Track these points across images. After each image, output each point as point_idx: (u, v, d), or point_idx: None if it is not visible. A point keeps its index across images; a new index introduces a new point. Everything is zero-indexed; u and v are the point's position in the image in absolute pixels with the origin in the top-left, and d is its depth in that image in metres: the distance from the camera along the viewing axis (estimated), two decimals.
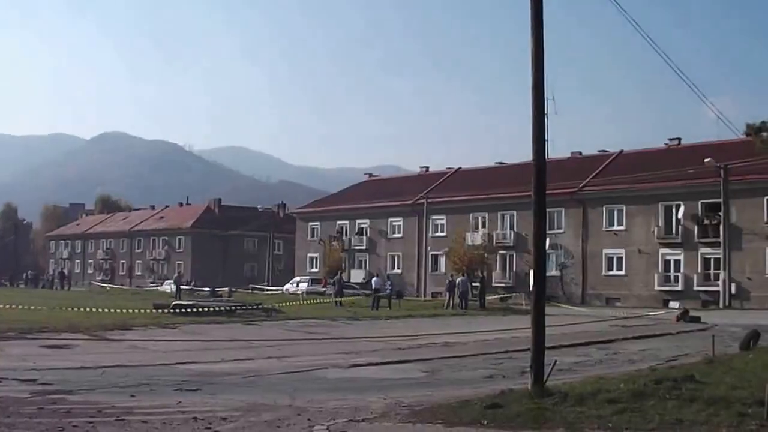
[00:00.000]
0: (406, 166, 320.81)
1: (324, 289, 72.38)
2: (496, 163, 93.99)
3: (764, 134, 17.34)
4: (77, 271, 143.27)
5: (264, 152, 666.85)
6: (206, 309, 41.74)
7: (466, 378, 21.09)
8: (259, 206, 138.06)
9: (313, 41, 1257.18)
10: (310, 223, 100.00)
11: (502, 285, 76.01)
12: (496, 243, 79.29)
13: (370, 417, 14.39)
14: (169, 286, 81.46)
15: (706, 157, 62.04)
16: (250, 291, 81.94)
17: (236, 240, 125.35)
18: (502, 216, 79.83)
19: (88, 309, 40.15)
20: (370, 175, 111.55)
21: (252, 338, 30.89)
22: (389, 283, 60.62)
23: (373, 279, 65.23)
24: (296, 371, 21.45)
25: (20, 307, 40.05)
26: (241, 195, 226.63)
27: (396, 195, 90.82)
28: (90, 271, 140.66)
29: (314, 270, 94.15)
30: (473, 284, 60.18)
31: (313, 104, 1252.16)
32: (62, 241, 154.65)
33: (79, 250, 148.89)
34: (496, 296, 67.90)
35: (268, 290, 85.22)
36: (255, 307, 45.56)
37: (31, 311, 38.74)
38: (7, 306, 39.40)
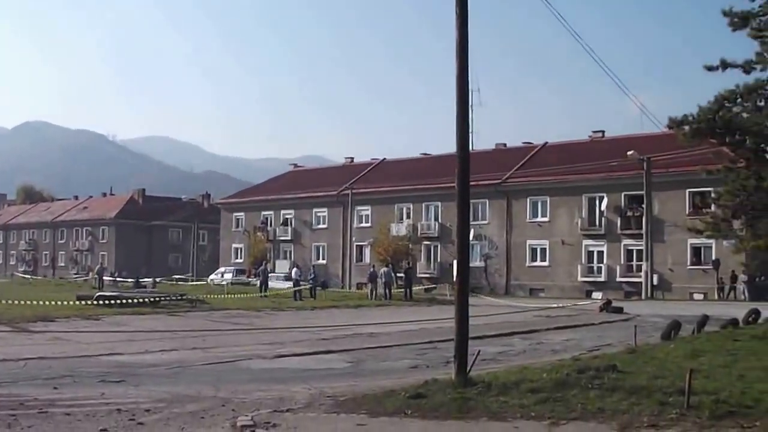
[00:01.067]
0: (332, 157, 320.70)
1: (249, 279, 72.15)
2: (421, 154, 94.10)
3: (686, 128, 17.64)
4: None
5: (189, 142, 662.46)
6: (130, 300, 41.44)
7: (390, 368, 21.16)
8: (183, 197, 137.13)
9: (243, 27, 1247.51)
10: (235, 214, 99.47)
11: (427, 276, 76.31)
12: (421, 234, 79.48)
13: (295, 407, 14.38)
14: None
15: (630, 150, 62.72)
16: (174, 282, 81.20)
17: (161, 230, 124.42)
18: (427, 207, 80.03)
19: (9, 300, 39.50)
20: (295, 165, 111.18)
21: (176, 329, 30.74)
22: (312, 273, 60.55)
23: (293, 270, 65.20)
24: (221, 362, 21.39)
25: None
26: (166, 185, 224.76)
27: (321, 186, 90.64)
28: (12, 263, 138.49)
29: (239, 261, 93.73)
30: (398, 275, 60.34)
31: (237, 93, 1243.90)
32: None
33: (0, 241, 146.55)
34: (421, 287, 68.09)
35: (192, 281, 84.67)
36: (179, 298, 45.27)
37: None
38: None
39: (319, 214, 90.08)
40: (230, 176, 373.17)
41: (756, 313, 32.68)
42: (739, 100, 17.92)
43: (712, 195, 20.75)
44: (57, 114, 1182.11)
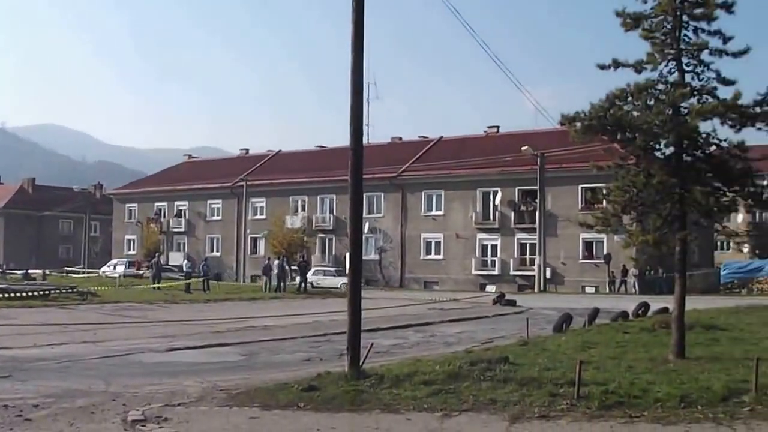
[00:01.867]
0: (227, 148, 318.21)
1: (141, 272, 71.31)
2: (317, 146, 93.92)
3: (578, 124, 17.89)
4: None
5: (81, 131, 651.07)
6: (19, 293, 40.70)
7: (284, 361, 21.13)
8: (75, 186, 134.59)
9: (143, 7, 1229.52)
10: (128, 205, 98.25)
11: (322, 268, 76.33)
12: (316, 226, 79.49)
13: (187, 401, 14.29)
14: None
15: (524, 145, 63.48)
16: (65, 274, 79.84)
17: (51, 221, 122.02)
18: (322, 199, 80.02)
19: None
20: (190, 156, 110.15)
21: (66, 322, 30.21)
22: (204, 265, 60.12)
23: (184, 262, 64.64)
24: (112, 356, 21.16)
25: None
26: (57, 175, 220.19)
27: (215, 177, 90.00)
28: None
29: (132, 252, 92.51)
30: (292, 267, 60.24)
31: (131, 82, 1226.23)
32: None
33: None
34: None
35: (84, 273, 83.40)
36: (70, 290, 44.58)
37: None
38: None
39: (213, 205, 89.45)
40: (123, 166, 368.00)
41: (645, 306, 33.43)
42: (629, 98, 18.21)
43: (603, 191, 21.11)
44: None
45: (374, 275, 71.73)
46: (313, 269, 67.71)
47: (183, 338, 25.60)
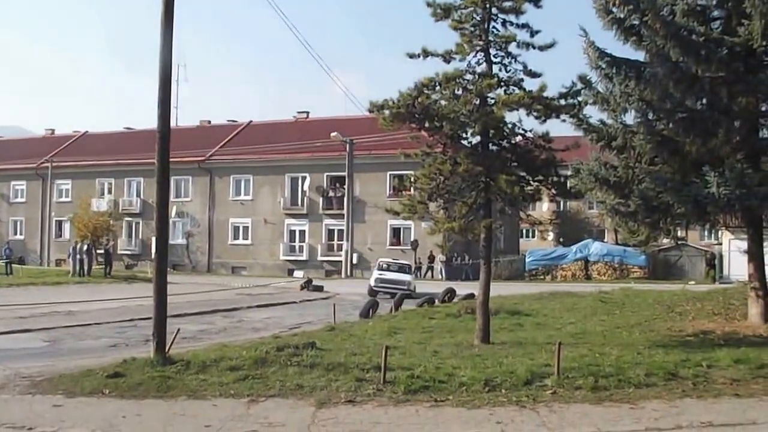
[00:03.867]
0: (31, 128, 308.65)
1: None
2: (125, 128, 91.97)
3: (386, 112, 18.07)
4: None
5: None
6: None
7: (89, 347, 20.80)
8: None
9: None
10: None
11: (129, 253, 75.05)
12: (123, 210, 77.93)
13: None
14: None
15: (333, 131, 63.72)
16: None
17: None
18: (129, 183, 78.56)
19: None
20: None
21: None
22: (6, 248, 58.43)
23: None
24: None
25: None
26: None
27: (19, 157, 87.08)
28: None
29: None
30: (98, 251, 59.05)
31: None
32: None
33: None
34: (122, 264, 66.94)
35: None
36: None
37: None
38: None
39: (17, 187, 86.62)
40: None
41: (452, 292, 34.13)
42: (438, 87, 18.49)
43: (411, 178, 21.34)
44: None
45: (182, 260, 70.97)
46: None
47: None
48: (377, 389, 13.09)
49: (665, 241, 39.04)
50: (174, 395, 13.16)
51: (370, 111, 19.73)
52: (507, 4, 18.66)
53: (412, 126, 19.90)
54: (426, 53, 18.78)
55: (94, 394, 13.38)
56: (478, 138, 19.29)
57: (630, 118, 22.20)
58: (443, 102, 18.89)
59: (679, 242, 48.38)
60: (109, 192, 79.66)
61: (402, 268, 45.73)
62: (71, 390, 13.62)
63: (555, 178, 19.45)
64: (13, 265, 55.01)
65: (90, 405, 12.75)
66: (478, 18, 18.81)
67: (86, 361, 16.96)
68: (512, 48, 18.87)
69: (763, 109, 21.75)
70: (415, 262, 62.06)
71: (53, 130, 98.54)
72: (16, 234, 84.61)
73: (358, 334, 20.56)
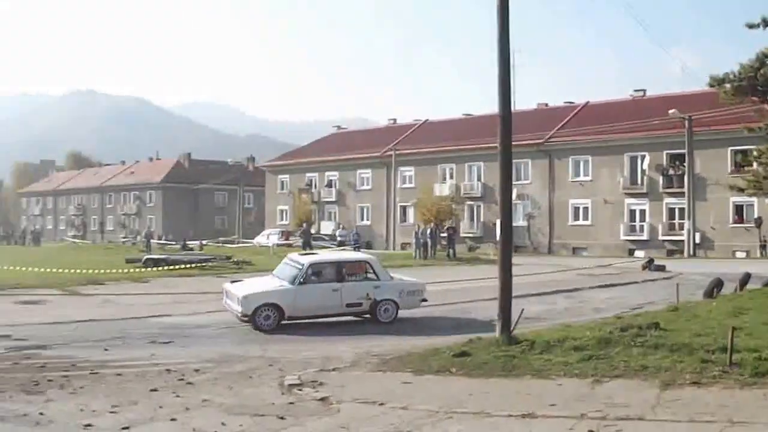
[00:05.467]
0: (375, 118, 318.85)
1: (290, 241, 72.26)
2: (464, 114, 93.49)
3: (727, 86, 17.56)
4: (49, 227, 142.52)
5: (232, 106, 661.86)
6: (178, 262, 41.87)
7: (434, 326, 21.38)
8: (229, 160, 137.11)
9: None
10: (280, 176, 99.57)
11: (470, 235, 76.23)
12: (464, 194, 79.24)
13: (341, 366, 14.65)
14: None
15: (671, 108, 62.30)
16: (220, 244, 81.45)
17: (206, 194, 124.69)
18: (470, 167, 79.69)
19: (60, 265, 39.92)
20: (339, 127, 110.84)
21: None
22: (354, 234, 60.81)
23: (338, 231, 65.37)
24: None
25: None
26: (211, 149, 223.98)
27: (364, 147, 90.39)
28: (62, 227, 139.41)
29: (284, 222, 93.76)
30: (442, 235, 60.37)
31: (281, 56, 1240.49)
32: (34, 198, 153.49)
33: (50, 206, 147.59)
34: (464, 246, 68.10)
35: (238, 243, 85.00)
36: (226, 259, 45.69)
37: (5, 270, 38.07)
38: None
39: (363, 175, 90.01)
40: (272, 139, 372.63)
41: None
42: None
43: (754, 153, 20.59)
44: (103, 81, 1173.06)
45: (523, 241, 71.32)
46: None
47: None
48: (723, 371, 12.67)
49: None
50: (519, 374, 13.34)
51: (711, 85, 19.29)
52: None
53: (754, 99, 19.30)
54: (766, 23, 18.15)
55: (441, 372, 13.77)
56: None
57: None
58: None
59: None
60: (451, 177, 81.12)
61: None
62: (419, 368, 14.09)
63: None
64: (360, 249, 57.13)
65: (438, 383, 13.13)
66: None
67: (432, 341, 17.50)
68: None
69: None
70: (760, 241, 59.76)
71: (395, 120, 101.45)
72: (363, 220, 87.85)
73: (702, 314, 20.05)
